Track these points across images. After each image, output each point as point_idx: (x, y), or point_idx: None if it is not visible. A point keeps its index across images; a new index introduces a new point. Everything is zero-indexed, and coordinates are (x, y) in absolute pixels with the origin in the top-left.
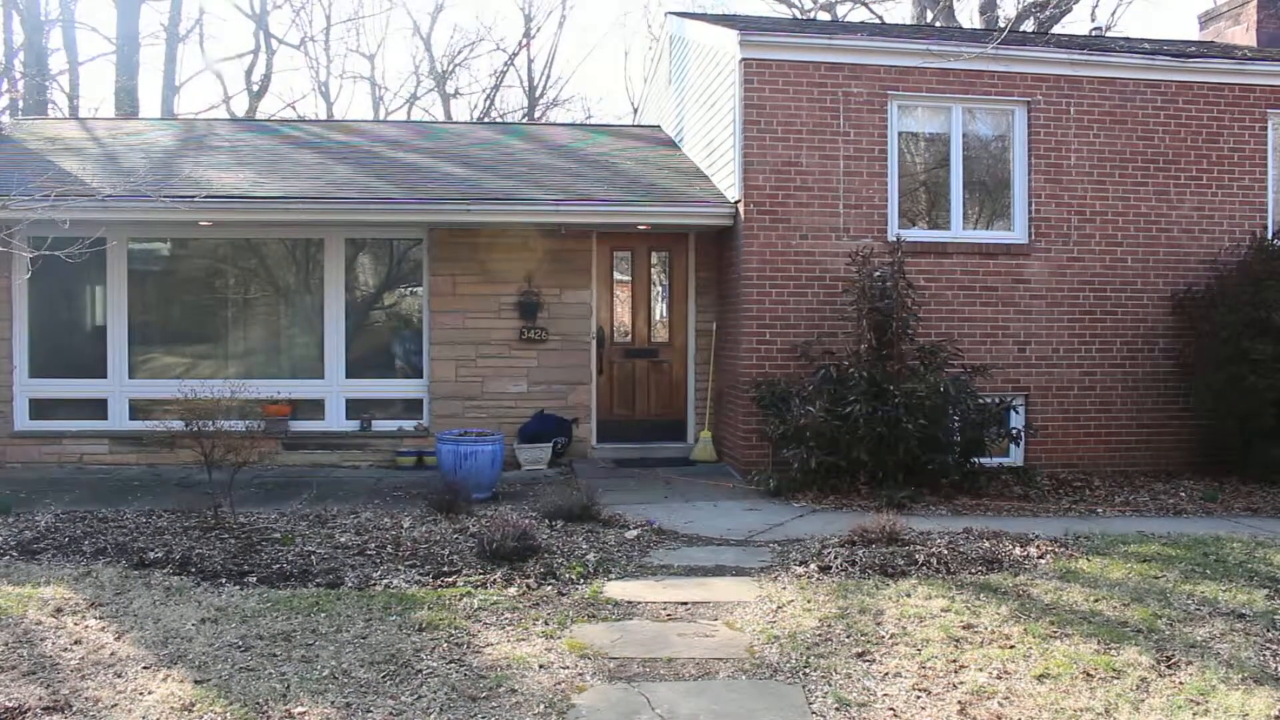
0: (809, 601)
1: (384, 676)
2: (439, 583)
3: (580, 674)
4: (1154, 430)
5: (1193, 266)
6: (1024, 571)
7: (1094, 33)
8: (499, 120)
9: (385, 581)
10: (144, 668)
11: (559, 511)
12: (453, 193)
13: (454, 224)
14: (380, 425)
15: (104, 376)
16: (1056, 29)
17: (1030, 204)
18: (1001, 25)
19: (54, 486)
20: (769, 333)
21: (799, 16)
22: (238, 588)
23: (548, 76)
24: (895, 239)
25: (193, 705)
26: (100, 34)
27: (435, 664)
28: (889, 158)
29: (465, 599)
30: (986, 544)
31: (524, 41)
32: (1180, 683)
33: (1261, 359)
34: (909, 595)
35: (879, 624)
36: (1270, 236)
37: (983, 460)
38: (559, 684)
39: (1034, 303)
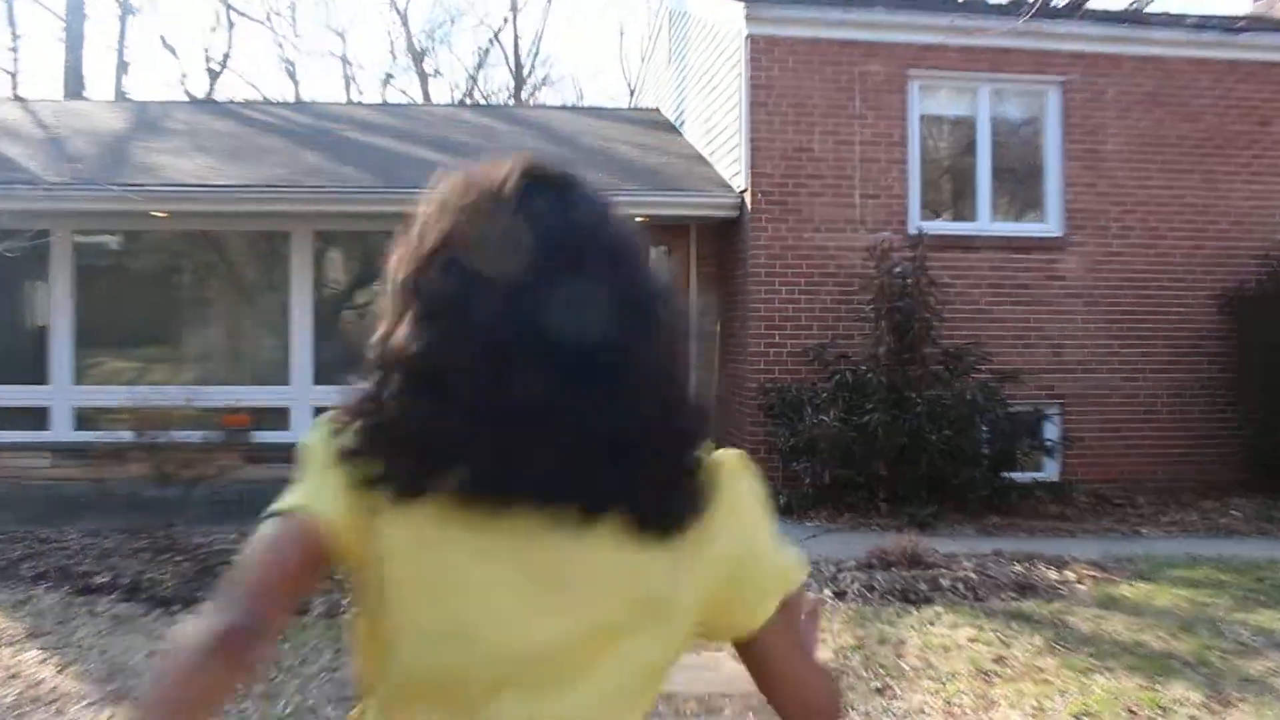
0: (822, 631)
1: None
2: None
3: None
4: (1202, 442)
5: (1244, 262)
6: (1060, 598)
7: (1133, 7)
8: (483, 102)
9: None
10: (88, 704)
11: None
12: (431, 180)
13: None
14: None
15: (46, 383)
16: (1093, 3)
17: (1065, 193)
18: None
19: None
20: (778, 335)
21: None
22: (192, 616)
23: (536, 54)
24: (917, 232)
25: None
26: (44, 5)
27: None
28: (909, 143)
29: None
30: (1018, 567)
31: (510, 16)
32: None
33: None
34: (933, 624)
35: (900, 656)
36: None
37: (1014, 475)
38: None
39: (1069, 302)
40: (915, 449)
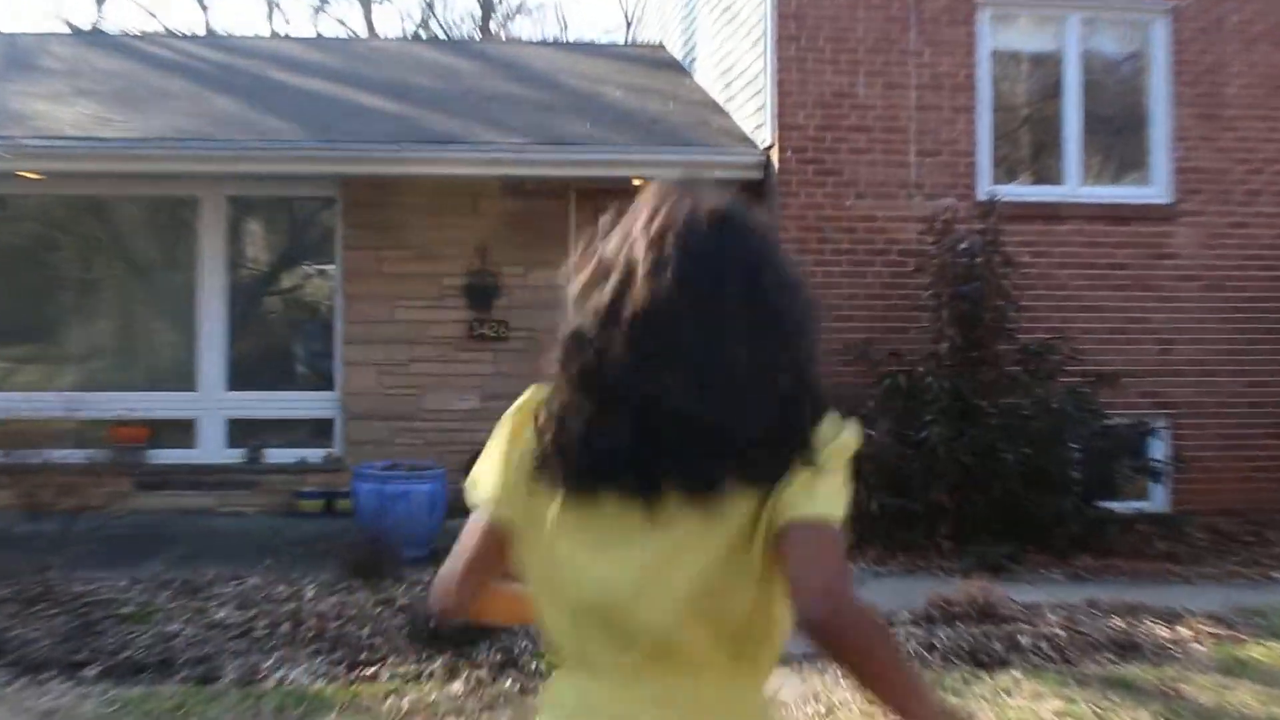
0: (871, 701)
1: None
2: (355, 675)
3: None
4: None
5: None
6: (1172, 661)
7: None
8: (442, 36)
9: (280, 674)
10: None
11: None
12: (377, 134)
13: (379, 177)
14: (275, 455)
15: None
16: None
17: (1175, 149)
18: None
19: None
20: None
21: None
22: (72, 684)
23: None
24: (988, 198)
25: None
26: None
27: None
28: (978, 87)
29: (391, 698)
30: (1119, 622)
31: None
32: None
33: None
34: (1010, 694)
35: None
36: None
37: (1112, 505)
38: None
39: (1181, 286)
40: (986, 472)
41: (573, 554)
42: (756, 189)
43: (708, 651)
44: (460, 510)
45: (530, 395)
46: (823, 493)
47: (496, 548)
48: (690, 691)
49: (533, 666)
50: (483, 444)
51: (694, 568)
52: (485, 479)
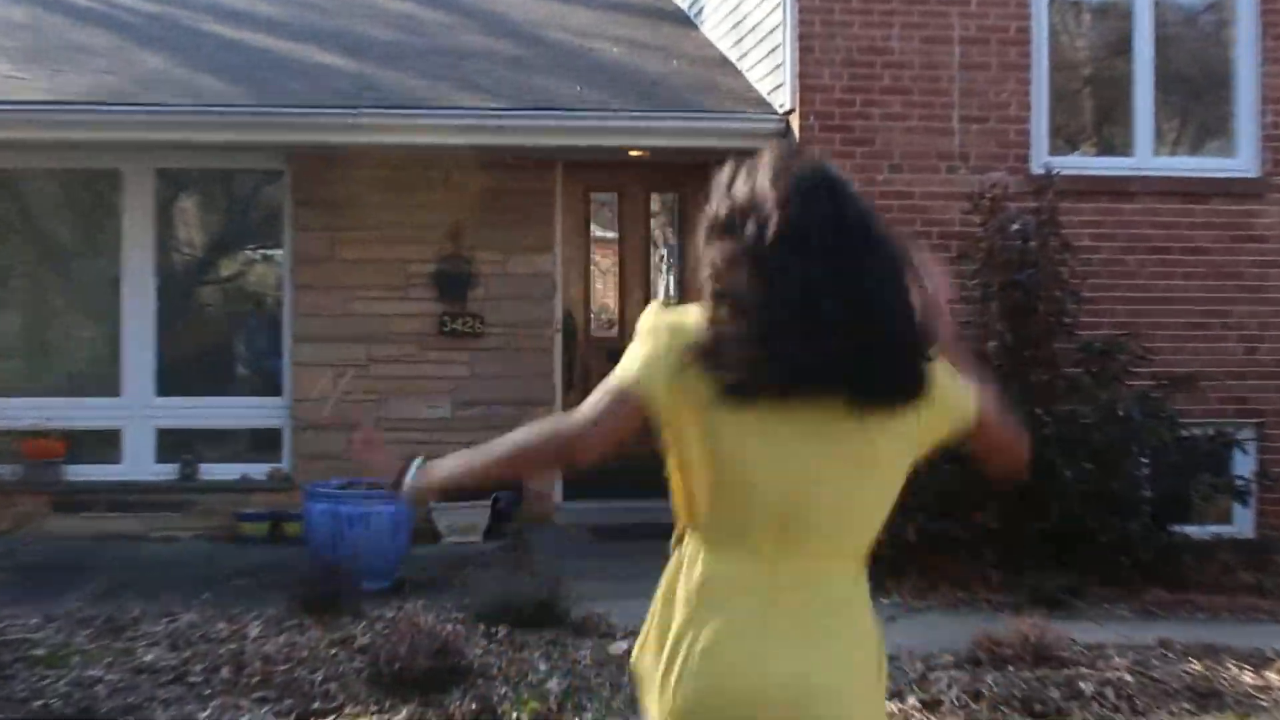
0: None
1: None
2: None
3: None
4: None
5: None
6: (1258, 711)
7: None
8: None
9: None
10: None
11: (502, 610)
12: (330, 96)
13: (332, 147)
14: (213, 472)
15: None
16: None
17: (1263, 114)
18: None
19: None
20: None
21: None
22: None
23: None
24: (1044, 171)
25: None
26: None
27: None
28: (1034, 40)
29: None
30: (1196, 666)
31: None
32: None
33: None
34: None
35: None
36: None
37: (1188, 529)
38: None
39: (1270, 273)
40: (1041, 491)
41: (768, 453)
42: None
43: (855, 548)
44: (429, 535)
45: (664, 311)
46: (970, 391)
47: (636, 426)
48: (828, 577)
49: (514, 716)
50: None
51: (884, 474)
52: (640, 369)
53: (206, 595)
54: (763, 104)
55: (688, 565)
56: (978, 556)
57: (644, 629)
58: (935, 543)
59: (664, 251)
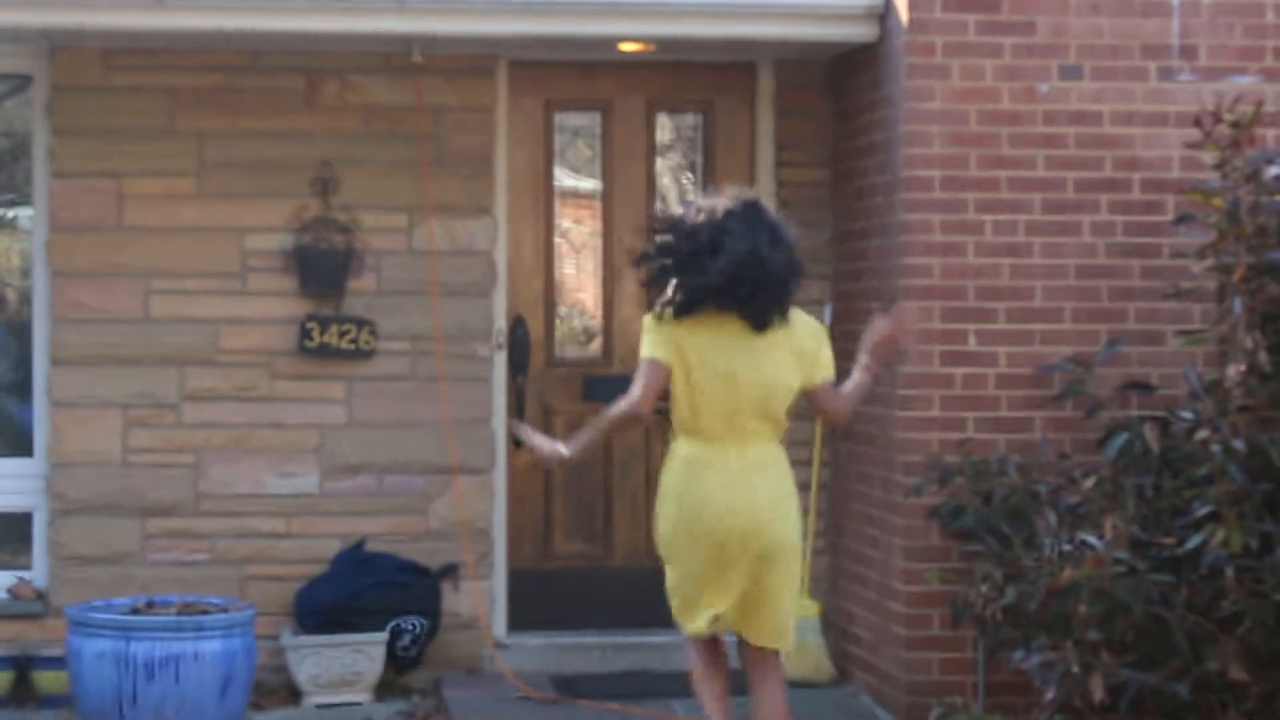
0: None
1: None
2: None
3: None
4: None
5: None
6: None
7: None
8: None
9: None
10: None
11: None
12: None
13: (119, 35)
14: None
15: None
16: None
17: None
18: None
19: None
20: (970, 333)
21: None
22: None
23: None
24: None
25: None
26: None
27: None
28: None
29: None
30: None
31: None
32: None
33: None
34: None
35: None
36: None
37: None
38: None
39: None
40: None
41: (711, 359)
42: (861, 64)
43: (771, 429)
44: (283, 693)
45: (656, 319)
46: (826, 363)
47: (665, 381)
48: (762, 449)
49: None
50: (321, 567)
51: (777, 357)
52: (655, 347)
53: None
54: None
55: (676, 453)
56: None
57: (659, 500)
58: (1138, 704)
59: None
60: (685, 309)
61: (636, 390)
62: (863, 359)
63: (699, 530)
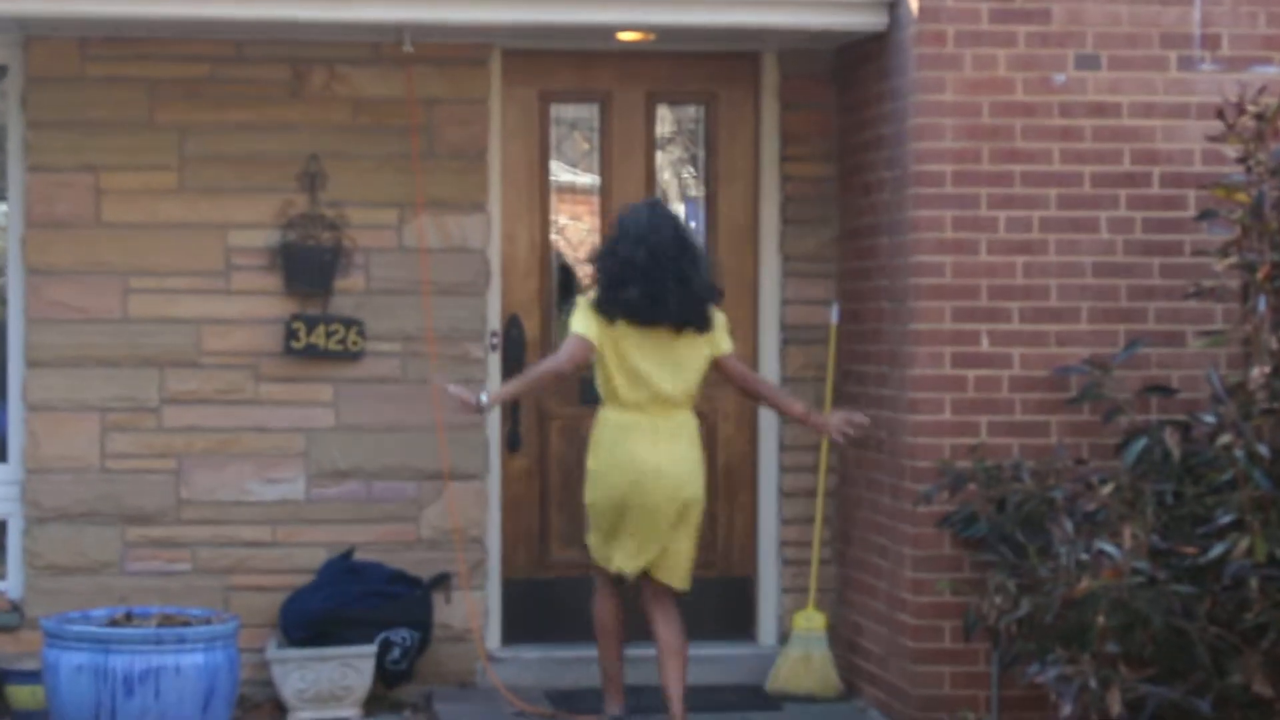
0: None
1: None
2: None
3: None
4: None
5: None
6: None
7: None
8: None
9: None
10: None
11: None
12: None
13: (94, 22)
14: None
15: None
16: None
17: None
18: None
19: None
20: (983, 333)
21: None
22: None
23: None
24: None
25: None
26: None
27: None
28: None
29: None
30: None
31: None
32: None
33: None
34: None
35: None
36: None
37: None
38: None
39: None
40: None
41: (642, 356)
42: (870, 55)
43: (686, 401)
44: (269, 708)
45: (585, 301)
46: (728, 341)
47: (589, 355)
48: (678, 418)
49: None
50: (307, 577)
51: (694, 364)
52: (585, 325)
53: None
54: None
55: (608, 418)
56: None
57: (590, 455)
58: (1160, 717)
59: (684, 208)
60: (611, 318)
61: (563, 355)
62: (811, 412)
63: (626, 482)
